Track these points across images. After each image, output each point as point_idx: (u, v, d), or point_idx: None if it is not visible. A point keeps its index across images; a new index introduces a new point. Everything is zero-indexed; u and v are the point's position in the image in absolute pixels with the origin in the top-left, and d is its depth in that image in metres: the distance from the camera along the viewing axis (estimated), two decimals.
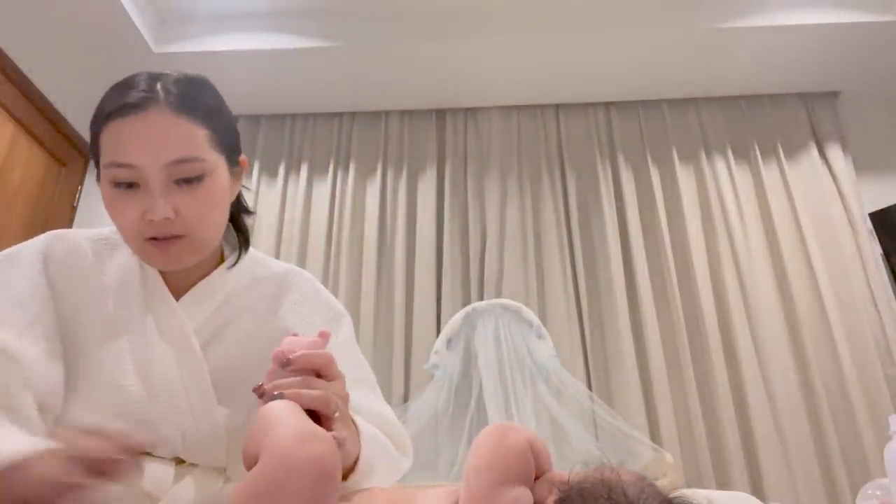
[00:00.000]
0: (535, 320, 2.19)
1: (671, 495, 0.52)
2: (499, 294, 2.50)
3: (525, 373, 2.09)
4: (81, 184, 2.81)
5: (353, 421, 0.72)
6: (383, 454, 0.77)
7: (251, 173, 2.81)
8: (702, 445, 2.27)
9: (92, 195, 2.79)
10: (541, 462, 0.53)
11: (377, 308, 2.54)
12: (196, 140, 0.78)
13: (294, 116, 2.93)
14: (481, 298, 2.49)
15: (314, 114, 2.94)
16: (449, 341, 2.18)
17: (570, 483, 0.50)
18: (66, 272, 0.81)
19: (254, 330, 0.87)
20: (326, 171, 2.84)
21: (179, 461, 0.79)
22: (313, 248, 2.66)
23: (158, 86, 0.78)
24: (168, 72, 0.82)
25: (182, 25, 2.58)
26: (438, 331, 2.41)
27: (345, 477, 0.67)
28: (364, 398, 0.85)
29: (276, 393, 0.62)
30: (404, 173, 2.81)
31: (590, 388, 2.36)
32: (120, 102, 0.76)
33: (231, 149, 0.85)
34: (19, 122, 2.41)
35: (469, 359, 2.17)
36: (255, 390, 0.66)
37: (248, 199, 0.97)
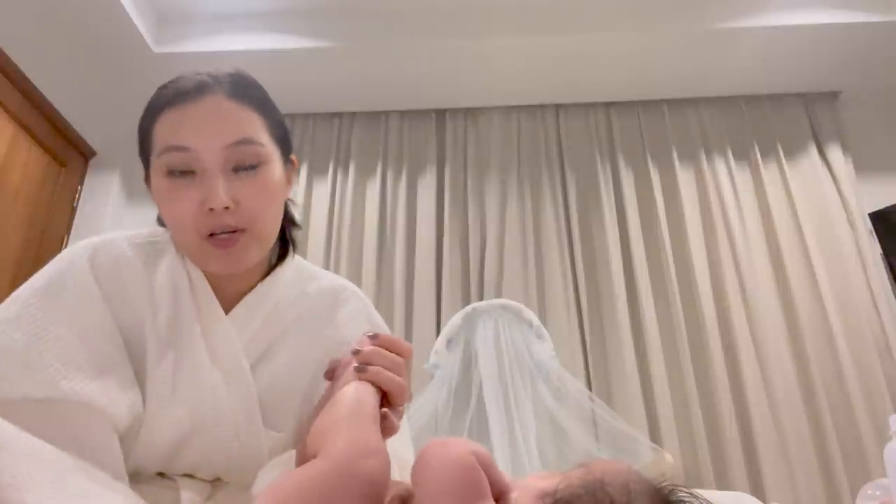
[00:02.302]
0: (535, 320, 2.19)
1: (663, 489, 0.51)
2: (499, 294, 2.50)
3: (525, 373, 2.09)
4: (81, 184, 2.81)
5: None
6: None
7: None
8: (702, 445, 2.27)
9: (92, 195, 2.79)
10: (491, 471, 0.51)
11: (377, 309, 2.52)
12: (255, 126, 0.76)
13: (294, 116, 2.93)
14: (481, 298, 2.49)
15: (314, 114, 2.94)
16: (449, 341, 2.18)
17: (556, 496, 0.49)
18: (118, 284, 0.76)
19: (304, 352, 0.82)
20: (326, 171, 2.84)
21: (216, 478, 0.77)
22: (313, 248, 2.66)
23: (214, 76, 0.77)
24: (221, 69, 0.81)
25: (182, 25, 2.57)
26: (438, 331, 2.41)
27: None
28: (390, 441, 0.84)
29: (359, 364, 0.62)
30: (404, 173, 2.81)
31: (590, 388, 2.36)
32: (174, 92, 0.74)
33: (284, 143, 0.83)
34: (19, 122, 2.41)
35: (469, 359, 2.17)
36: (327, 374, 0.67)
37: None
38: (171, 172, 0.73)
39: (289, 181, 0.84)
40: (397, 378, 0.62)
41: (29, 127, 2.46)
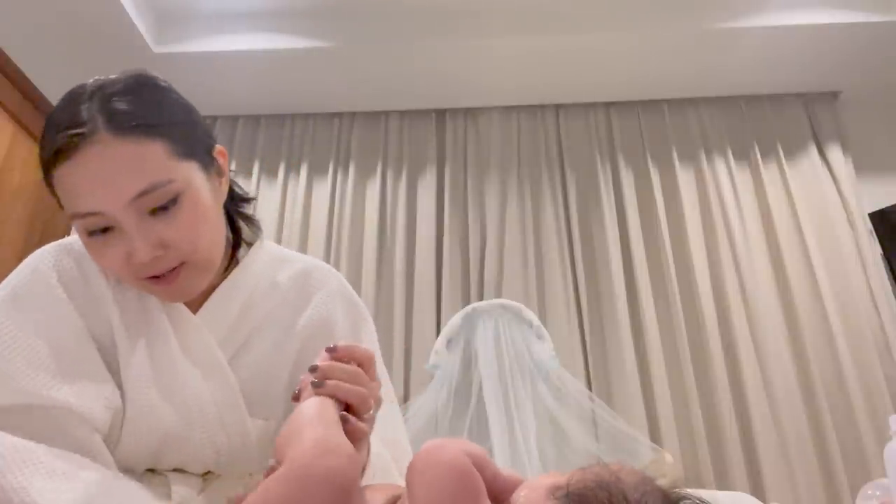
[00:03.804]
0: (535, 320, 2.19)
1: (674, 495, 0.51)
2: (499, 294, 2.49)
3: (525, 373, 2.09)
4: None
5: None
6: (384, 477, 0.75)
7: (251, 173, 2.81)
8: (702, 445, 2.27)
9: None
10: (487, 471, 0.50)
11: (377, 308, 2.54)
12: (154, 160, 0.68)
13: (294, 116, 2.93)
14: (481, 298, 2.49)
15: (314, 114, 2.94)
16: (449, 341, 2.18)
17: (568, 489, 0.48)
18: (83, 287, 0.75)
19: (282, 338, 0.82)
20: (326, 171, 2.84)
21: (206, 472, 0.77)
22: (313, 248, 2.66)
23: (96, 106, 0.68)
24: (109, 78, 0.73)
25: (182, 25, 2.57)
26: (438, 331, 2.41)
27: None
28: (383, 426, 0.82)
29: (316, 380, 0.61)
30: (404, 174, 2.81)
31: (590, 388, 2.36)
32: (55, 147, 0.66)
33: (201, 149, 0.75)
34: (19, 122, 2.41)
35: (469, 359, 2.17)
36: (293, 397, 0.64)
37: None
38: (90, 233, 0.70)
39: (221, 176, 0.79)
40: (356, 389, 0.62)
41: (29, 127, 2.46)
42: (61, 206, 0.72)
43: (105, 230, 0.69)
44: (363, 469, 0.68)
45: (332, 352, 0.64)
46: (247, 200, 0.88)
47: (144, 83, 0.74)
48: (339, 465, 0.52)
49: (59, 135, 0.67)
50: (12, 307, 0.71)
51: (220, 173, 0.79)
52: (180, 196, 0.70)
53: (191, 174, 0.72)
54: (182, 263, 0.71)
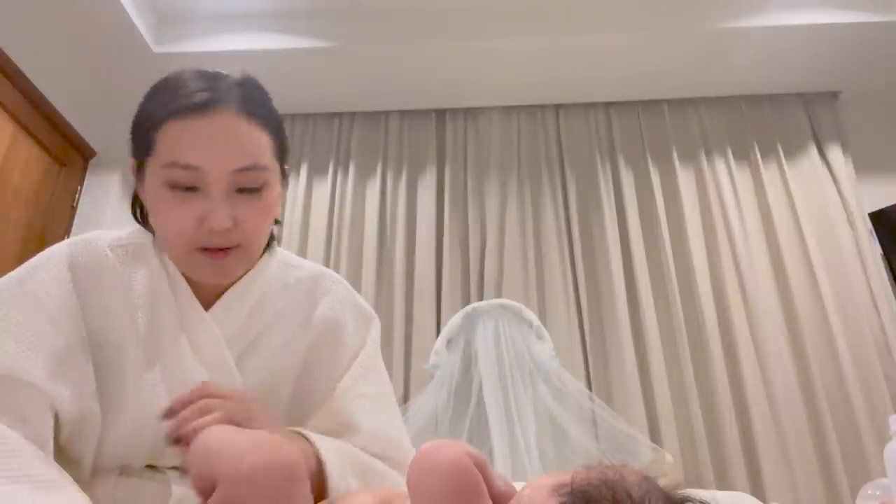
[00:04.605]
0: (535, 320, 2.19)
1: (675, 495, 0.51)
2: (499, 294, 2.50)
3: (525, 373, 2.09)
4: (81, 184, 2.80)
5: (303, 435, 0.73)
6: (362, 473, 0.75)
7: None
8: (702, 445, 2.27)
9: (92, 195, 2.78)
10: (486, 474, 0.51)
11: (377, 308, 2.54)
12: (263, 148, 0.75)
13: (294, 116, 2.93)
14: (481, 298, 2.49)
15: (314, 114, 2.94)
16: (449, 341, 2.18)
17: (572, 486, 0.48)
18: (95, 283, 0.77)
19: (289, 341, 0.84)
20: (326, 171, 2.84)
21: None
22: (313, 248, 2.66)
23: (233, 84, 0.76)
24: (226, 72, 0.79)
25: (182, 25, 2.58)
26: (438, 331, 2.41)
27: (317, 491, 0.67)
28: (373, 419, 0.83)
29: (180, 434, 0.64)
30: (404, 173, 2.81)
31: (590, 388, 2.36)
32: (185, 101, 0.72)
33: (283, 158, 0.83)
34: (19, 122, 2.41)
35: (469, 359, 2.17)
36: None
37: None
38: (174, 186, 0.72)
39: (284, 189, 0.86)
40: (211, 416, 0.65)
41: (29, 127, 2.46)
42: (140, 156, 0.75)
43: (188, 189, 0.72)
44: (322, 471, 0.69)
45: (168, 412, 0.68)
46: (277, 222, 0.91)
47: (259, 84, 0.82)
48: (285, 458, 0.53)
49: (197, 93, 0.72)
50: (17, 285, 0.73)
51: (284, 185, 0.85)
52: (265, 187, 0.76)
53: (275, 174, 0.79)
54: (238, 245, 0.75)
